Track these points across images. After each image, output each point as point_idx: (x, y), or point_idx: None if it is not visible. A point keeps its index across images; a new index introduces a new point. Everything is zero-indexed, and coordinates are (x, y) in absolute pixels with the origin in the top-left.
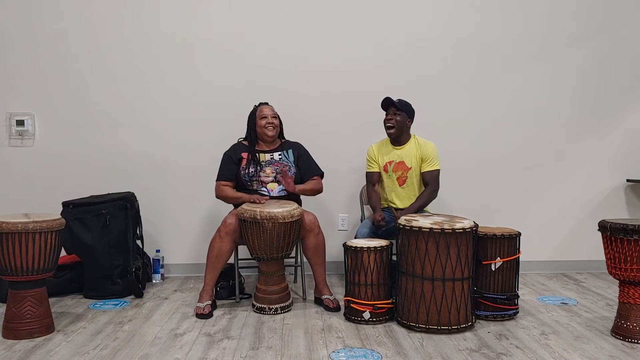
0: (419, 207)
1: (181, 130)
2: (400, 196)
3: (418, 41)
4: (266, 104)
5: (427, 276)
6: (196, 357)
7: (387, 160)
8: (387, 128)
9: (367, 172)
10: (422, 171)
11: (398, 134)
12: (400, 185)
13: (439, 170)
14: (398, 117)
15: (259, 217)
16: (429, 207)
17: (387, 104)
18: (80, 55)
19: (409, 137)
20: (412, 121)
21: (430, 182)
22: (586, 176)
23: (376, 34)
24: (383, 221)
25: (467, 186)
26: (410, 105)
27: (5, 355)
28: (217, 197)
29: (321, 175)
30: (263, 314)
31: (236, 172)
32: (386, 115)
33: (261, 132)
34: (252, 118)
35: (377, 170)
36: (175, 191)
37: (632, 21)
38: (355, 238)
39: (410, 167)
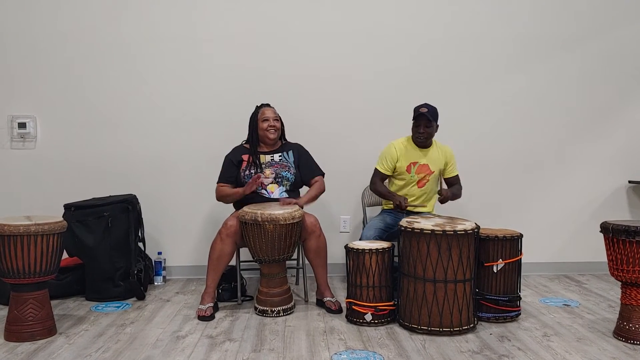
0: (453, 194)
1: (182, 132)
2: (416, 196)
3: (419, 43)
4: (268, 105)
5: (428, 278)
6: None
7: (411, 161)
8: (417, 137)
9: (378, 169)
10: (446, 176)
11: (428, 142)
12: (419, 187)
13: None
14: (429, 128)
15: (260, 219)
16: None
17: (420, 117)
18: (82, 58)
19: (431, 141)
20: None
21: (457, 184)
22: (588, 177)
23: (378, 36)
24: (406, 202)
25: (469, 187)
26: (437, 110)
27: (8, 358)
28: (217, 198)
29: (322, 175)
30: (265, 316)
31: (236, 175)
32: (418, 127)
33: (263, 135)
34: (254, 120)
35: (389, 174)
36: (176, 193)
37: (633, 21)
38: (360, 240)
39: (433, 172)
